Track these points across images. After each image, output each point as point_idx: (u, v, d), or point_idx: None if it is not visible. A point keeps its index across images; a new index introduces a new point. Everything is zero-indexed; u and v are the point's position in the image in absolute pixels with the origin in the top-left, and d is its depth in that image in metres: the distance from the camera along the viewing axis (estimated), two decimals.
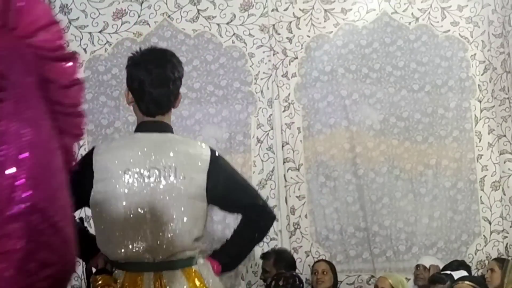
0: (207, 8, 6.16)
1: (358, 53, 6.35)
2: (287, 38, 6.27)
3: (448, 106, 6.41)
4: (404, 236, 6.30)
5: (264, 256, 5.86)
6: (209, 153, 3.21)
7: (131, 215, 3.09)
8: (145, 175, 3.11)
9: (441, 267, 5.79)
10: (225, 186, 3.23)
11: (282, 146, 6.21)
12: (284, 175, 6.19)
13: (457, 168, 6.39)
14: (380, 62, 6.37)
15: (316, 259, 6.08)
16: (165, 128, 3.24)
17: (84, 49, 5.99)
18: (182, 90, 6.01)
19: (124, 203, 3.09)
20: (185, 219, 3.10)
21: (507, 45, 6.40)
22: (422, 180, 6.35)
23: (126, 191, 3.08)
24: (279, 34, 6.25)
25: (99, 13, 6.01)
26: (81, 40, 5.98)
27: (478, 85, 6.46)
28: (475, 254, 6.32)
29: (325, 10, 6.31)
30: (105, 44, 6.02)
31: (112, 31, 6.03)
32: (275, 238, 6.13)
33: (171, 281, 3.07)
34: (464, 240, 6.36)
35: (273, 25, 6.24)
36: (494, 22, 6.49)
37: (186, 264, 3.10)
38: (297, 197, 6.20)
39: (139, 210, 3.09)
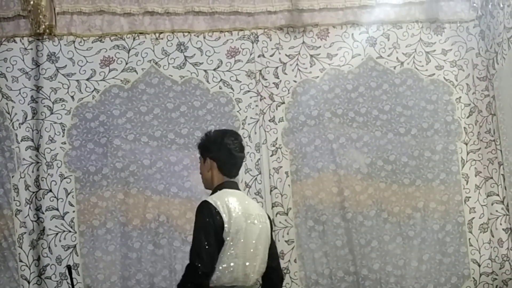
0: (194, 54, 6.20)
1: (344, 97, 6.40)
2: (273, 83, 6.31)
3: (434, 149, 6.45)
4: (393, 279, 6.28)
5: None
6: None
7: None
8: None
9: None
10: None
11: (270, 191, 6.21)
12: (273, 220, 6.18)
13: (445, 211, 6.40)
14: (366, 106, 6.41)
15: None
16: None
17: (72, 97, 6.00)
18: (170, 136, 6.11)
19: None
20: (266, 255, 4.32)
21: (492, 88, 6.47)
22: (410, 223, 6.35)
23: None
24: (266, 79, 6.30)
25: (87, 61, 6.03)
26: (68, 87, 5.99)
27: (464, 127, 6.51)
28: None
29: (311, 56, 6.37)
30: (92, 91, 6.04)
31: (99, 78, 6.05)
32: None
33: None
34: (453, 283, 6.34)
35: (260, 70, 6.29)
36: (478, 66, 6.56)
37: None
38: (286, 241, 6.18)
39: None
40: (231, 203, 4.16)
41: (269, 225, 4.39)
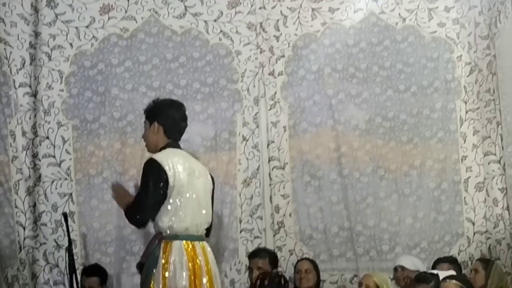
0: (195, 4, 6.15)
1: (345, 52, 6.36)
2: (274, 36, 6.27)
3: (433, 107, 6.43)
4: (387, 236, 6.31)
5: (253, 254, 5.86)
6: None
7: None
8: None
9: (422, 268, 5.81)
10: None
11: (268, 145, 6.21)
12: (269, 174, 6.19)
13: (442, 169, 6.41)
14: (367, 62, 6.38)
15: (299, 258, 6.09)
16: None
17: (70, 44, 5.97)
18: (169, 87, 6.06)
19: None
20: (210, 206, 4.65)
21: (493, 47, 6.42)
22: (406, 181, 6.36)
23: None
24: (266, 32, 6.25)
25: (86, 8, 5.99)
26: (67, 34, 5.96)
27: (464, 86, 6.47)
28: (458, 254, 6.32)
29: (313, 9, 6.32)
30: (91, 39, 6.00)
31: (98, 26, 6.01)
32: (259, 236, 6.14)
33: None
34: (447, 241, 6.37)
35: (260, 23, 6.24)
36: (480, 24, 6.50)
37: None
38: (281, 195, 6.20)
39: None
40: (175, 160, 4.47)
41: (211, 180, 4.72)
